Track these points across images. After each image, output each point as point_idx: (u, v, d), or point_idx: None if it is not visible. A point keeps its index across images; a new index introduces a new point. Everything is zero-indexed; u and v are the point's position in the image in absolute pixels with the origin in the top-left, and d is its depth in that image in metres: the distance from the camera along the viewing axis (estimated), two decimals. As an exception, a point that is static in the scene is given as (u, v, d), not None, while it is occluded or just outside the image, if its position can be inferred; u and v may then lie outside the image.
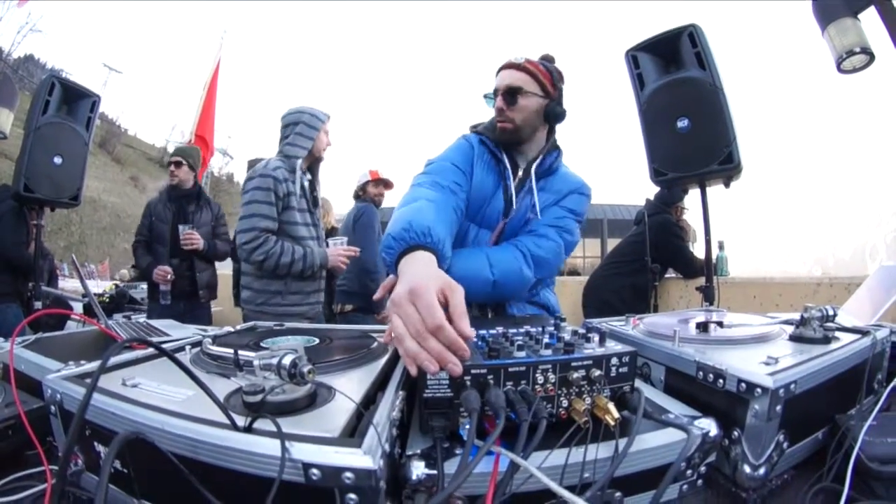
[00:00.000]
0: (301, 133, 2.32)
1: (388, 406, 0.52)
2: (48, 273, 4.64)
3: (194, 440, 0.45)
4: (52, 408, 0.66)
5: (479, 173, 1.44)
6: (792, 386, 0.62)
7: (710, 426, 0.60)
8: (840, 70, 3.04)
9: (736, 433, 0.64)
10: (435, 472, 0.48)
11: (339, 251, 2.35)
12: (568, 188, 1.46)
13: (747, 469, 0.63)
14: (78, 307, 5.04)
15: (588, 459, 0.52)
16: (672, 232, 3.16)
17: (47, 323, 3.16)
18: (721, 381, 0.66)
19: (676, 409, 0.66)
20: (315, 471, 0.40)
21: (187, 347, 0.90)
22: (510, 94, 1.38)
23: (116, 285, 5.03)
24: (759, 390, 0.61)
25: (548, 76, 1.42)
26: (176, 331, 1.34)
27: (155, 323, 1.46)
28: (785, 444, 0.66)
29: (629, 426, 0.55)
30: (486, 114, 1.50)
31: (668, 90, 2.25)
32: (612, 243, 3.82)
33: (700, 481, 0.62)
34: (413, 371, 0.55)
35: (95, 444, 0.59)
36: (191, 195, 3.41)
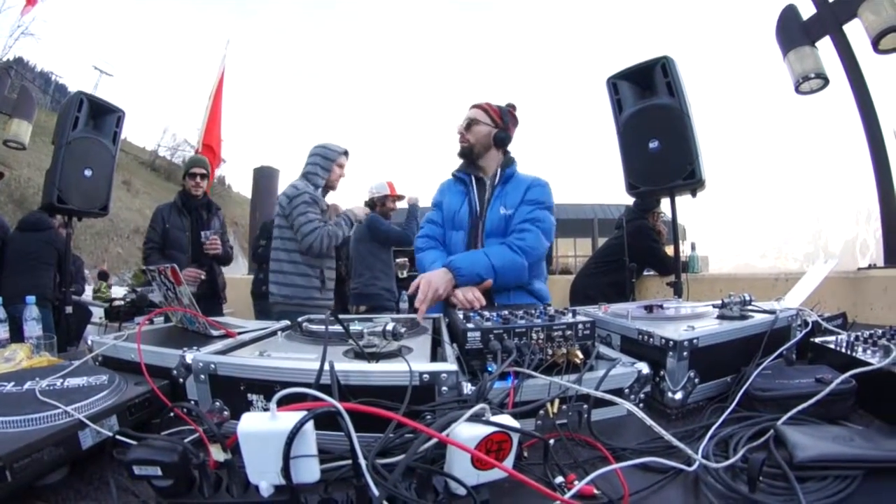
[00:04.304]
0: (319, 164, 2.98)
1: (450, 347, 0.88)
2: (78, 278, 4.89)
3: (347, 371, 0.78)
4: (202, 376, 0.86)
5: (447, 198, 2.09)
6: (694, 341, 0.98)
7: (643, 367, 0.96)
8: (798, 91, 3.43)
9: (662, 372, 1.00)
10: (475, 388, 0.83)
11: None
12: (526, 184, 1.95)
13: (669, 394, 0.98)
14: (98, 311, 5.32)
15: (563, 384, 0.87)
16: (648, 235, 3.56)
17: (69, 326, 3.44)
18: (651, 339, 1.02)
19: (624, 358, 1.01)
20: (426, 375, 0.75)
21: (279, 332, 1.25)
22: (469, 124, 2.00)
23: (135, 290, 5.32)
24: (672, 342, 0.97)
25: (497, 112, 2.02)
26: (249, 324, 1.60)
27: (215, 319, 1.70)
28: (696, 380, 1.01)
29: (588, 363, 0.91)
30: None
31: (642, 115, 2.61)
32: (603, 242, 4.23)
33: (641, 404, 0.97)
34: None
35: (249, 395, 0.83)
36: (204, 204, 3.66)
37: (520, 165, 2.06)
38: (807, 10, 3.39)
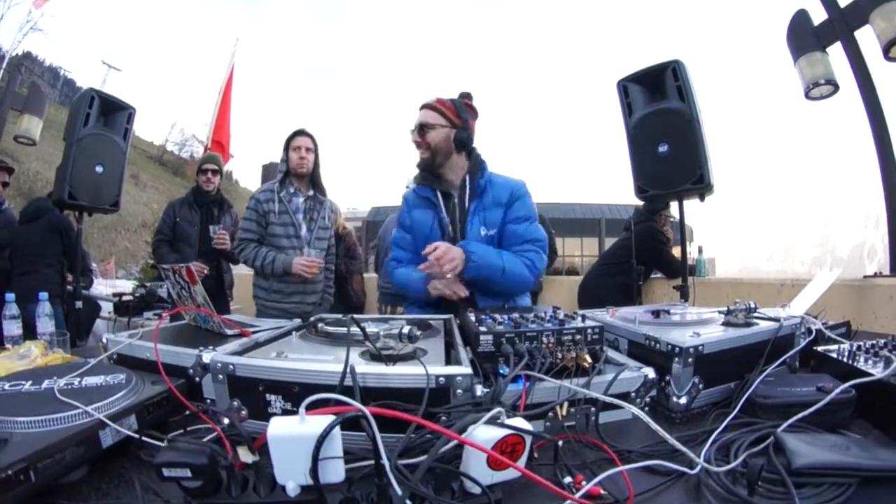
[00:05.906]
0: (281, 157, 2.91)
1: (463, 350, 0.92)
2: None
3: (366, 373, 0.81)
4: (220, 376, 0.87)
5: (415, 218, 1.82)
6: (700, 347, 1.01)
7: (649, 371, 0.98)
8: (808, 97, 3.43)
9: (668, 378, 1.02)
10: (489, 389, 0.86)
11: (301, 261, 2.72)
12: (507, 195, 1.74)
13: (674, 399, 1.01)
14: (107, 306, 5.37)
15: (572, 387, 0.90)
16: (656, 238, 3.58)
17: (79, 321, 3.47)
18: (658, 345, 1.05)
19: (631, 363, 1.04)
20: (442, 378, 0.79)
21: (293, 332, 1.29)
22: (422, 129, 1.73)
23: (144, 285, 5.34)
24: (678, 349, 0.99)
25: (452, 109, 1.74)
26: (262, 323, 1.55)
27: (229, 318, 1.64)
28: (700, 386, 1.04)
29: (597, 367, 0.94)
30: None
31: (652, 118, 2.62)
32: (610, 242, 4.23)
33: (647, 408, 1.00)
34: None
35: (267, 395, 0.85)
36: (216, 200, 3.69)
37: (491, 164, 1.82)
38: (818, 15, 3.39)
